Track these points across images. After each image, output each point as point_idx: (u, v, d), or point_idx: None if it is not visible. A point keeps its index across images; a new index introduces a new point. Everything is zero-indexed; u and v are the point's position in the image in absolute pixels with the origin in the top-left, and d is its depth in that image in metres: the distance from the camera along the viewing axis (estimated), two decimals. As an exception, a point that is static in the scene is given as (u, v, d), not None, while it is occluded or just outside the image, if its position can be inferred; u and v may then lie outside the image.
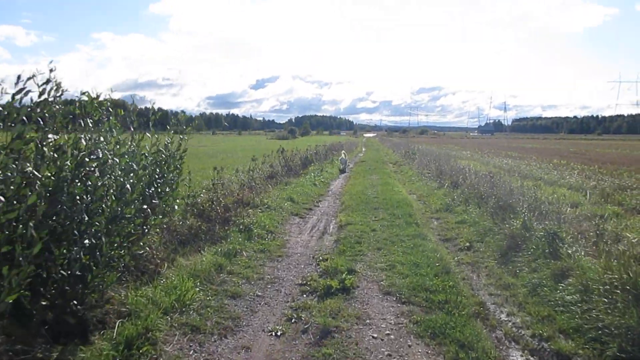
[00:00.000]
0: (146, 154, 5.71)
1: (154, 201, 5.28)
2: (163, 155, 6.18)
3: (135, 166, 4.78)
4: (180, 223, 6.41)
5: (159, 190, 5.77)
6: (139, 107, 5.92)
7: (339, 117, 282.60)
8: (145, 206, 4.92)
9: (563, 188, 13.87)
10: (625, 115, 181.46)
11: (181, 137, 6.79)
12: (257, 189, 11.26)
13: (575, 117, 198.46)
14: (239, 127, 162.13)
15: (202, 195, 7.56)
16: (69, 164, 3.69)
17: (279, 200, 10.63)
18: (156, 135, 6.30)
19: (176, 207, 6.76)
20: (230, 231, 7.14)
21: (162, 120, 6.53)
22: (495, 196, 8.80)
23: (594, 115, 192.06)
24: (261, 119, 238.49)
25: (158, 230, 5.47)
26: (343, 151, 26.40)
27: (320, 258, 6.48)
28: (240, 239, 6.88)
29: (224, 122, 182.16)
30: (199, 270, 5.17)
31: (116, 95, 4.85)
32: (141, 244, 4.83)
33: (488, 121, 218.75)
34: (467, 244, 7.50)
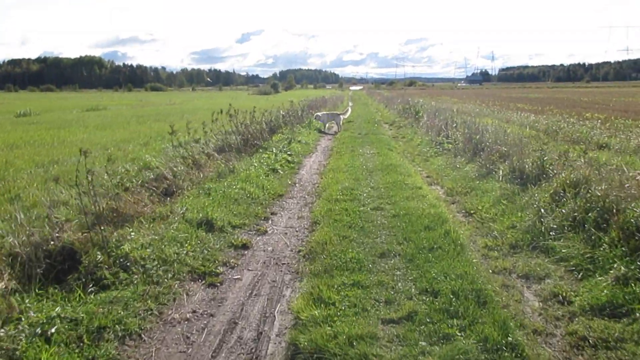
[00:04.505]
0: None
1: None
2: None
3: None
4: None
5: None
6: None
7: (324, 70, 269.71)
8: None
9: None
10: (612, 61, 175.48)
11: None
12: (138, 203, 5.48)
13: (562, 65, 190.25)
14: (221, 83, 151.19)
15: None
16: None
17: (172, 233, 4.90)
18: None
19: None
20: None
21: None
22: None
23: (581, 63, 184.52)
24: (245, 73, 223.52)
25: None
26: (348, 106, 23.48)
27: None
28: None
29: (206, 78, 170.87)
30: None
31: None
32: None
33: (475, 71, 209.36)
34: None
